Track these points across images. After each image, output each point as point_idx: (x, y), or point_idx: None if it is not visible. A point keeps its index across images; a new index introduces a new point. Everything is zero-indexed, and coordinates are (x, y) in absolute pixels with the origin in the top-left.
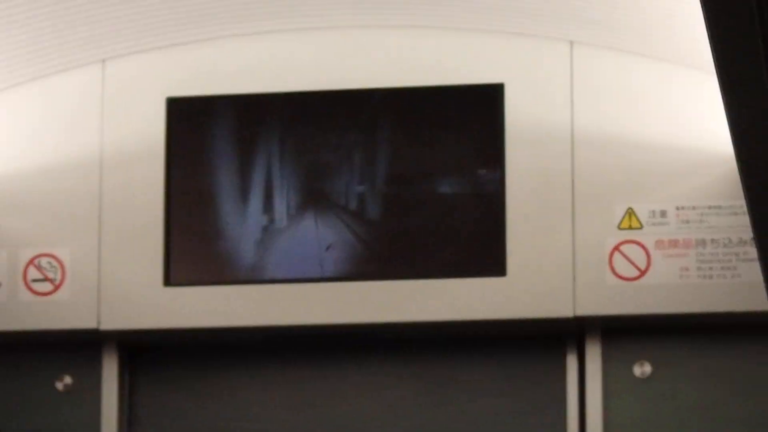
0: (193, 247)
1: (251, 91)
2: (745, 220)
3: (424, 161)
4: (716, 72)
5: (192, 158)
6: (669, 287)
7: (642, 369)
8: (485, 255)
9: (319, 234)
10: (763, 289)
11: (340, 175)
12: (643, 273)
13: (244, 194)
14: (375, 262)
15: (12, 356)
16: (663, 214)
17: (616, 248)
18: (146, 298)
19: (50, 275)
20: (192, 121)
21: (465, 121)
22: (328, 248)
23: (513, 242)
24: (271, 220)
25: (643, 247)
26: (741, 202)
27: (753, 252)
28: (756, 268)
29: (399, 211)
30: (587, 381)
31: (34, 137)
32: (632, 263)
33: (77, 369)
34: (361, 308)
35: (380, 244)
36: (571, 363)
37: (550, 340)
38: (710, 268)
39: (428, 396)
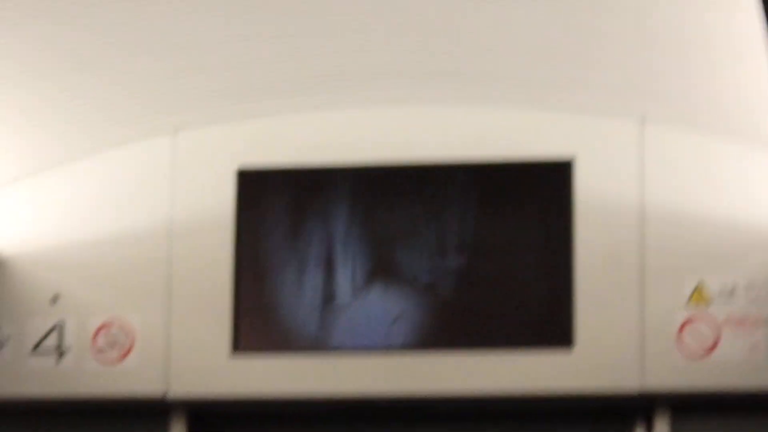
0: (261, 316)
1: (320, 163)
2: None
3: (492, 234)
4: None
5: (260, 228)
6: (738, 364)
7: None
8: (554, 328)
9: (386, 305)
10: None
11: (409, 248)
12: (711, 349)
13: (312, 265)
14: (442, 333)
15: (80, 423)
16: (733, 290)
17: (685, 323)
18: (214, 367)
19: (119, 342)
20: (261, 192)
21: (535, 196)
22: (395, 320)
23: (581, 315)
24: (339, 291)
25: (712, 323)
26: None
27: None
28: None
29: (467, 284)
30: None
31: (105, 205)
32: (701, 339)
33: None
34: (427, 379)
35: (448, 316)
36: None
37: (617, 415)
38: None
39: None
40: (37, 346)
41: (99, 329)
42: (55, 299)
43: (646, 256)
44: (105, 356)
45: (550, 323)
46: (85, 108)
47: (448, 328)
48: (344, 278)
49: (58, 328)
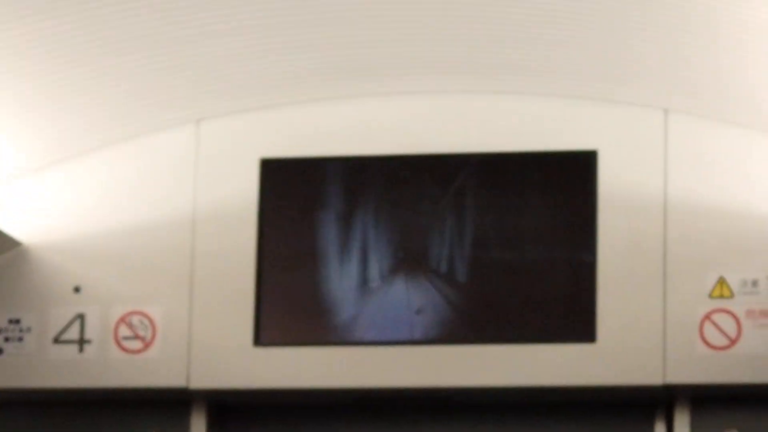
0: (284, 307)
1: (344, 154)
2: None
3: (516, 226)
4: None
5: (284, 219)
6: (759, 357)
7: None
8: (576, 321)
9: (410, 297)
10: None
11: (433, 239)
12: (733, 342)
13: (335, 256)
14: (465, 326)
15: (102, 414)
16: (755, 283)
17: (707, 317)
18: (236, 358)
19: (141, 333)
20: (285, 182)
21: (558, 187)
22: (418, 312)
23: (604, 308)
24: (363, 283)
25: (734, 316)
26: None
27: None
28: None
29: (490, 276)
30: None
31: (130, 195)
32: (723, 332)
33: (166, 426)
34: (450, 372)
35: (470, 309)
36: (660, 431)
37: (638, 407)
38: None
39: None
40: (59, 336)
41: (121, 319)
42: (77, 289)
43: (668, 249)
44: (127, 347)
45: (572, 316)
46: (109, 97)
47: (470, 321)
48: (368, 270)
49: (80, 319)
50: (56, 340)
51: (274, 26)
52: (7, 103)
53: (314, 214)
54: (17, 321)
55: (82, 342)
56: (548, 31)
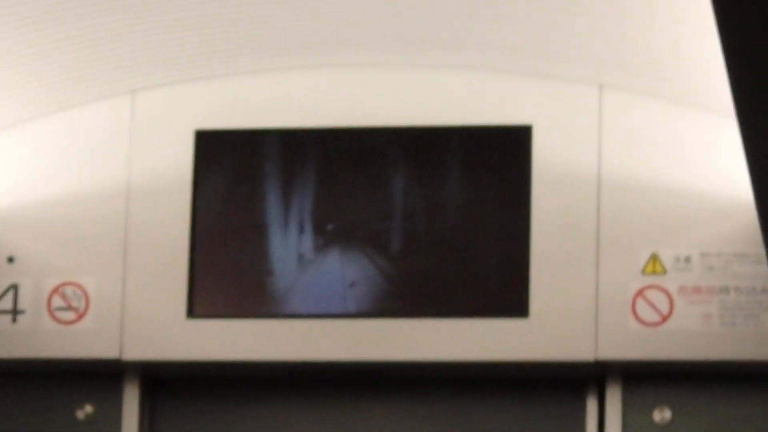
0: (217, 280)
1: (279, 126)
2: None
3: (449, 200)
4: (737, 118)
5: (218, 191)
6: (691, 334)
7: (662, 415)
8: (508, 296)
9: (344, 270)
10: None
11: (364, 213)
12: (665, 319)
13: (269, 229)
14: (398, 299)
15: (34, 384)
16: (687, 260)
17: (640, 293)
18: (169, 330)
19: (74, 304)
20: (219, 154)
21: (492, 162)
22: (351, 285)
23: (536, 284)
24: (295, 256)
25: (666, 292)
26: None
27: None
28: None
29: (423, 250)
30: (606, 426)
31: (62, 166)
32: (655, 309)
33: (98, 398)
34: (381, 346)
35: (403, 283)
36: (591, 407)
37: (569, 383)
38: (733, 316)
39: None
40: None
41: (54, 290)
42: (11, 259)
43: (602, 225)
44: (60, 317)
45: (505, 291)
46: (43, 67)
47: (402, 295)
48: (302, 242)
49: (13, 289)
50: None
51: None
52: None
53: (248, 186)
54: None
55: (15, 312)
56: (482, 4)
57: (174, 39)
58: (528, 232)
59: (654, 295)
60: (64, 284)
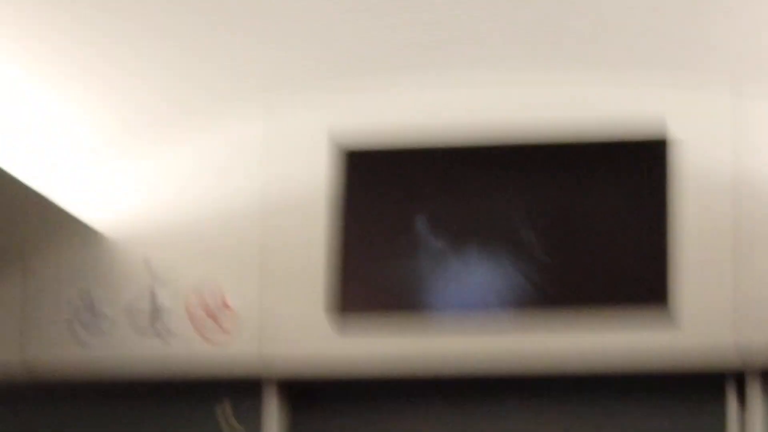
0: (358, 287)
1: (418, 143)
2: None
3: (592, 210)
4: None
5: (354, 205)
6: None
7: None
8: (650, 294)
9: (490, 279)
10: None
11: (506, 223)
12: None
13: (409, 241)
14: (541, 305)
15: (173, 397)
16: None
17: None
18: (309, 342)
19: (213, 319)
20: (355, 168)
21: (632, 172)
22: (494, 292)
23: (679, 286)
24: (439, 268)
25: None
26: None
27: None
28: None
29: (564, 254)
30: (747, 421)
31: (202, 179)
32: None
33: (239, 413)
34: (525, 349)
35: (546, 287)
36: (731, 402)
37: (711, 378)
38: None
39: None
40: (130, 319)
41: (194, 301)
42: (148, 271)
43: (744, 225)
44: (200, 330)
45: (647, 292)
46: (180, 84)
47: (546, 300)
48: (444, 257)
49: (151, 301)
50: (129, 323)
51: (352, 10)
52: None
53: (385, 199)
54: None
55: (153, 326)
56: (609, 18)
57: (314, 53)
58: (671, 237)
59: None
60: (204, 296)
